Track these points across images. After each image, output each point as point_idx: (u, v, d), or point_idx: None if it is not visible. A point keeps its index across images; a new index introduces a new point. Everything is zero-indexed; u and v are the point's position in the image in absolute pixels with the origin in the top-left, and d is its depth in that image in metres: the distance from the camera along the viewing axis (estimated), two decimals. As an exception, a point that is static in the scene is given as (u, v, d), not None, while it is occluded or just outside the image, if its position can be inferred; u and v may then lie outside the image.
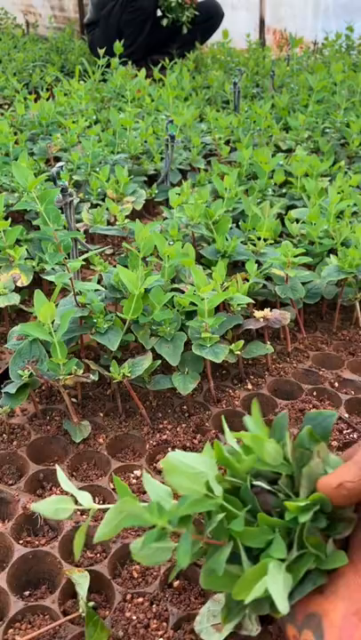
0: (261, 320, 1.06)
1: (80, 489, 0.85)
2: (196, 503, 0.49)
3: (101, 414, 1.00)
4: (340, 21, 3.96)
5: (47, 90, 2.60)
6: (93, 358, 1.12)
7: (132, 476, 0.89)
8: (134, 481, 0.88)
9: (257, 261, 1.22)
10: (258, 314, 1.06)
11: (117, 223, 1.35)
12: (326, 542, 0.50)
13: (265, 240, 1.29)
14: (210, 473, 0.50)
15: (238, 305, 1.08)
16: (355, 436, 0.99)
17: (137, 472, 0.90)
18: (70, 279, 0.97)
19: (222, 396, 1.05)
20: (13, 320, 1.24)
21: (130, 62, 3.09)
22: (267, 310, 1.06)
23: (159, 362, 0.98)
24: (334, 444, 0.97)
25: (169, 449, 0.94)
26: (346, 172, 1.82)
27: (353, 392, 1.09)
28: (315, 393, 1.08)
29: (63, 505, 0.54)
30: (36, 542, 0.76)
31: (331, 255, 1.24)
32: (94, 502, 0.85)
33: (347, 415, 1.03)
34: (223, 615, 0.54)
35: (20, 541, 0.76)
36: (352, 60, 3.41)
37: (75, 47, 3.66)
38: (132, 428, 0.97)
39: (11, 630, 0.66)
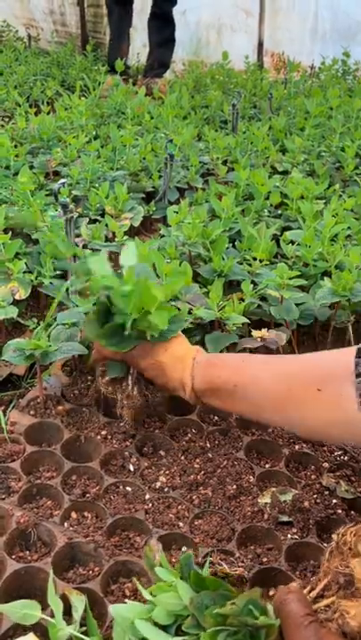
0: (259, 340, 1.07)
1: (73, 504, 0.85)
2: None
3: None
4: (337, 46, 4.04)
5: (48, 104, 2.63)
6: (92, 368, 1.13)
7: (123, 491, 0.90)
8: (123, 499, 0.88)
9: (252, 281, 1.24)
10: (256, 333, 1.07)
11: (116, 239, 1.37)
12: None
13: (260, 261, 1.31)
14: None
15: (234, 324, 1.10)
16: (345, 458, 1.01)
17: (128, 488, 0.90)
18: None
19: (218, 412, 1.07)
20: (10, 332, 1.25)
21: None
22: (264, 330, 1.08)
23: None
24: (325, 465, 0.98)
25: (163, 467, 0.95)
26: (340, 196, 1.85)
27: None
28: (307, 413, 1.09)
29: (30, 610, 0.61)
30: (29, 558, 0.77)
31: (325, 278, 1.27)
32: (87, 518, 0.85)
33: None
34: None
35: (13, 556, 0.76)
36: (348, 85, 3.48)
37: (76, 62, 3.70)
38: (126, 446, 0.98)
39: (1, 646, 0.66)
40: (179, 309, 1.05)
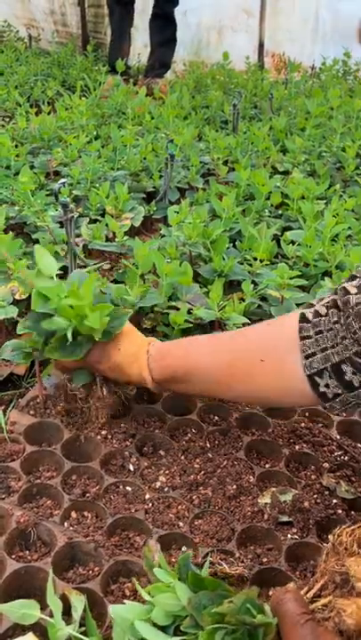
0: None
1: (73, 503, 0.85)
2: None
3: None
4: (338, 47, 4.04)
5: (48, 104, 2.63)
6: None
7: (123, 491, 0.89)
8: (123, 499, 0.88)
9: (253, 281, 1.24)
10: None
11: (117, 240, 1.37)
12: None
13: (261, 261, 1.31)
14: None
15: (234, 324, 1.10)
16: (346, 458, 1.00)
17: (128, 488, 0.90)
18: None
19: (219, 412, 1.06)
20: (10, 332, 1.25)
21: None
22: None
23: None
24: (326, 465, 0.98)
25: (163, 467, 0.94)
26: (341, 196, 1.85)
27: (344, 413, 1.10)
28: (307, 414, 1.09)
29: (29, 610, 0.61)
30: (29, 557, 0.77)
31: (325, 278, 1.27)
32: (87, 518, 0.85)
33: (338, 437, 1.04)
34: None
35: (13, 556, 0.76)
36: (348, 86, 3.48)
37: (76, 62, 3.70)
38: (126, 445, 0.98)
39: (1, 646, 0.66)
40: (117, 305, 1.05)
